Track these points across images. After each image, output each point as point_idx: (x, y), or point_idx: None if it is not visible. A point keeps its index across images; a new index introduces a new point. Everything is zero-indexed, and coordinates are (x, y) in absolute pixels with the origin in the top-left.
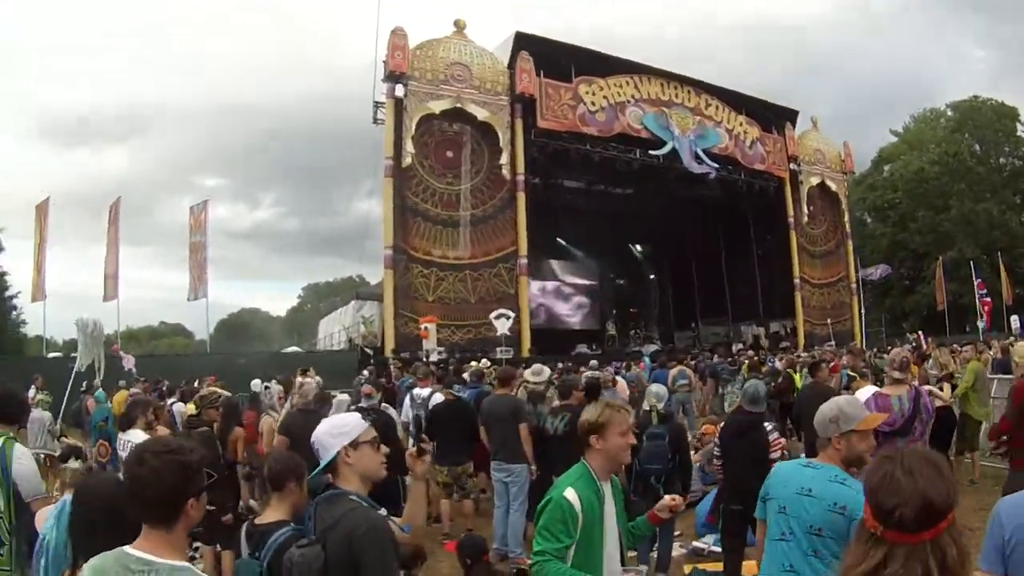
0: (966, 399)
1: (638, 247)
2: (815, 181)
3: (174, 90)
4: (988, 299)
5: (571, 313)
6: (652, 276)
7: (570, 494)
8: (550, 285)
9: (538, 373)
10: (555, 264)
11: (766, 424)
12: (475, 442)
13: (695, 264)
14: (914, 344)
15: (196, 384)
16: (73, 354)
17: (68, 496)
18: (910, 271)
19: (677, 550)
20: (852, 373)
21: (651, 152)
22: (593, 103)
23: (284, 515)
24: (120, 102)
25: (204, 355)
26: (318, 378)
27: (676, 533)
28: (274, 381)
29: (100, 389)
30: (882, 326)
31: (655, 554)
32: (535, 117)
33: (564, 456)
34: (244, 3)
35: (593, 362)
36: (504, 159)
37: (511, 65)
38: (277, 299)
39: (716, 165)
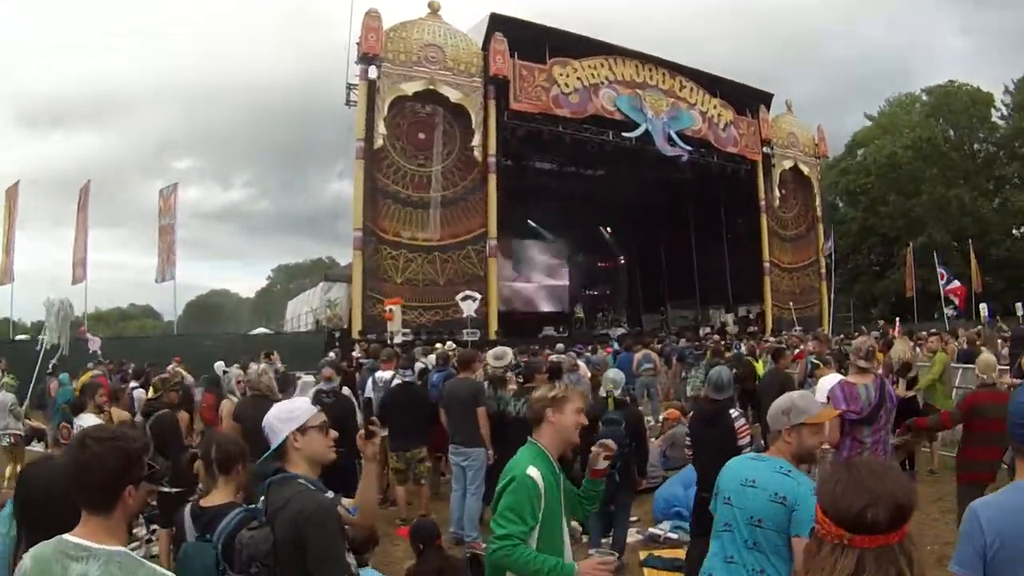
0: (932, 390)
1: (608, 229)
2: (788, 165)
3: (146, 72)
4: (955, 286)
5: (539, 295)
6: (621, 259)
7: (533, 472)
8: (519, 267)
9: (500, 356)
10: (525, 246)
11: (732, 411)
12: (431, 426)
13: (664, 247)
14: (882, 332)
15: (148, 368)
16: (40, 336)
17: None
18: (880, 256)
19: (633, 536)
20: (816, 360)
21: (624, 134)
22: (567, 85)
23: (231, 497)
24: (92, 84)
25: (170, 337)
26: (278, 364)
27: (633, 519)
28: (235, 366)
29: (65, 372)
30: (851, 311)
31: (609, 540)
32: (508, 99)
33: (525, 440)
34: None
35: (559, 345)
36: (476, 141)
37: (485, 47)
38: (247, 280)
39: (689, 148)
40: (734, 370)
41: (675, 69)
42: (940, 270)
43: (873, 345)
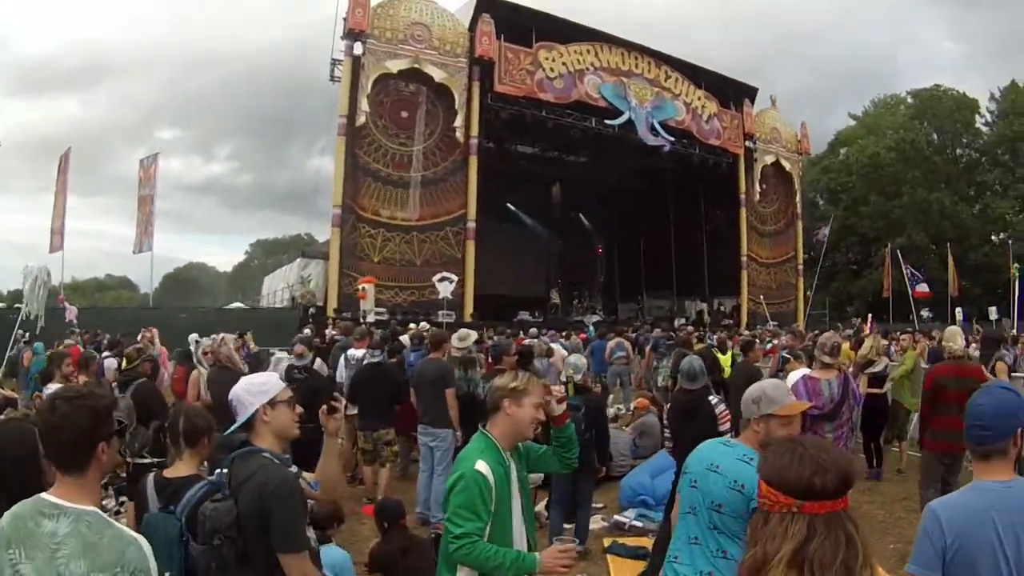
0: (900, 387)
1: (587, 216)
2: (769, 160)
3: (132, 40)
4: (923, 289)
5: (516, 279)
6: (599, 246)
7: (482, 467)
8: (496, 250)
9: (463, 338)
10: (503, 229)
11: (711, 398)
12: (401, 406)
13: (643, 236)
14: (855, 330)
15: (140, 337)
16: (17, 305)
17: None
18: (858, 255)
19: (599, 523)
20: (788, 355)
21: (607, 121)
22: (552, 69)
23: (195, 469)
24: (76, 50)
25: (146, 309)
26: (251, 345)
27: (599, 506)
28: (207, 339)
29: (39, 342)
30: (826, 309)
31: (571, 526)
32: (492, 81)
33: None
34: None
35: (533, 329)
36: (459, 122)
37: (472, 27)
38: (225, 254)
39: (671, 138)
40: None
41: (661, 59)
42: (907, 269)
43: (838, 341)
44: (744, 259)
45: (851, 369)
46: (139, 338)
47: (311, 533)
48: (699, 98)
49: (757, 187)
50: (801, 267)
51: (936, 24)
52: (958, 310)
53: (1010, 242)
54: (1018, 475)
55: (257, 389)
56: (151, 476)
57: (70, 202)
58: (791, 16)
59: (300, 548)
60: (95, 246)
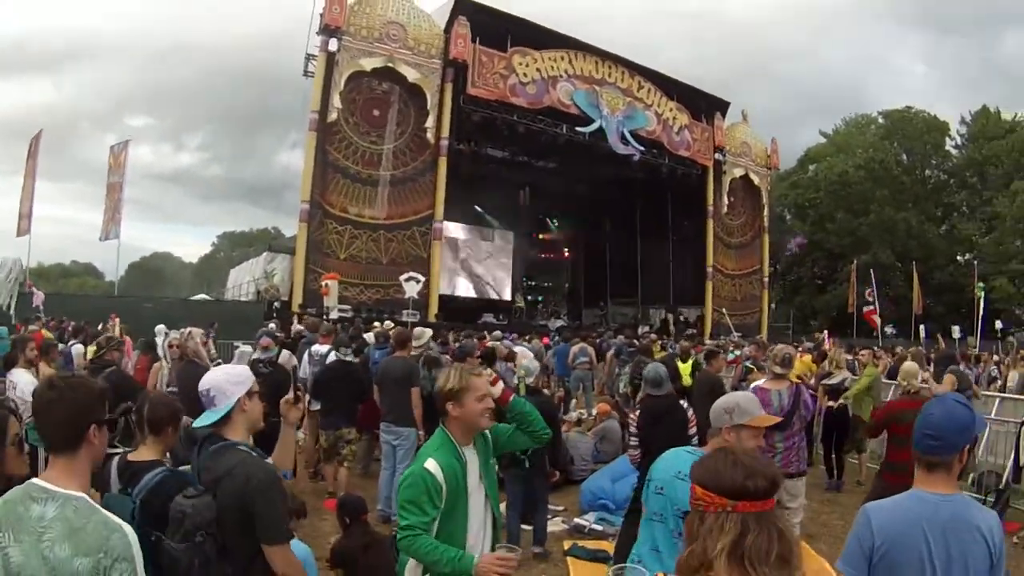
0: (859, 402)
1: (555, 222)
2: (738, 173)
3: (107, 26)
4: (871, 309)
5: (481, 282)
6: (566, 252)
7: (431, 465)
8: (462, 252)
9: (418, 337)
10: (470, 231)
11: (683, 403)
12: (363, 405)
13: (610, 244)
14: (815, 344)
15: (100, 327)
16: None
17: None
18: (823, 271)
19: (559, 525)
20: (751, 365)
21: (578, 129)
22: (525, 75)
23: (158, 455)
24: (50, 34)
25: (112, 297)
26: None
27: (560, 508)
28: (175, 332)
29: (3, 326)
30: (790, 322)
31: (529, 528)
32: (466, 83)
33: None
34: None
35: (496, 332)
36: (430, 122)
37: (447, 29)
38: (191, 245)
39: (641, 148)
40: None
41: (634, 69)
42: (871, 291)
43: (791, 353)
44: (710, 270)
45: (812, 381)
46: (107, 325)
47: None
48: (671, 109)
49: (725, 199)
50: (766, 280)
51: (910, 48)
52: (921, 327)
53: (975, 263)
54: (962, 490)
55: (237, 379)
56: (116, 459)
57: (38, 186)
58: (765, 35)
59: (285, 539)
60: (61, 232)
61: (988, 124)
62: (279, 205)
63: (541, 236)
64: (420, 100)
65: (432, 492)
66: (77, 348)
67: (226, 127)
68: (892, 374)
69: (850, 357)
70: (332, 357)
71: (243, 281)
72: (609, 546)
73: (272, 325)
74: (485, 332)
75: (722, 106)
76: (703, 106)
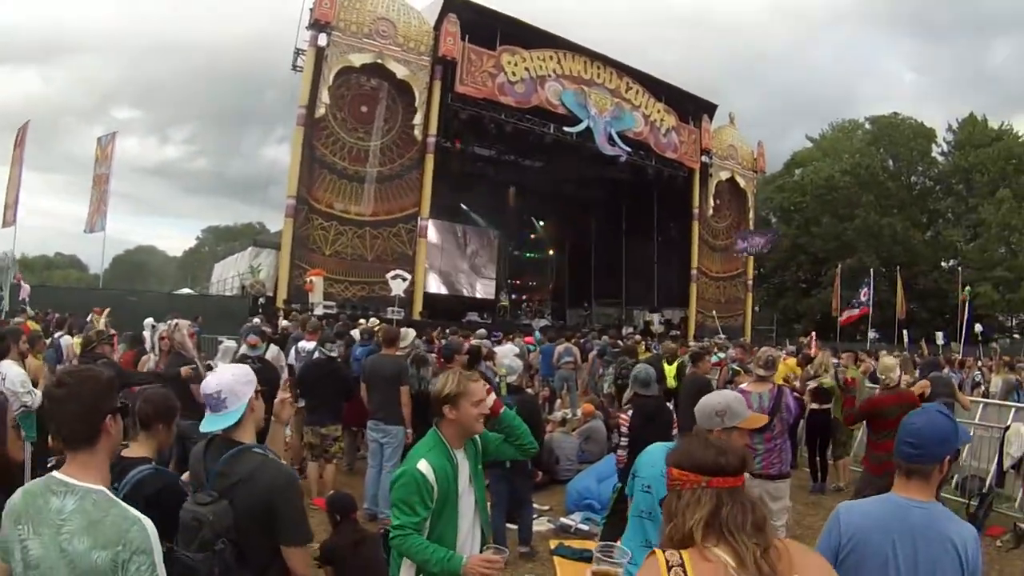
0: (839, 405)
1: (541, 221)
2: (725, 176)
3: (96, 16)
4: (854, 313)
5: (466, 280)
6: (551, 252)
7: (423, 466)
8: (448, 250)
9: (404, 337)
10: (455, 229)
11: (668, 405)
12: (348, 402)
13: (595, 244)
14: (798, 347)
15: (89, 319)
16: None
17: None
18: (808, 275)
19: (545, 525)
20: (737, 368)
21: (565, 128)
22: (514, 74)
23: (148, 452)
24: (39, 23)
25: (97, 290)
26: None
27: (545, 508)
28: (162, 324)
29: None
30: (774, 325)
31: (515, 527)
32: (454, 81)
33: None
34: None
35: (480, 331)
36: (418, 120)
37: (437, 26)
38: (176, 238)
39: (628, 149)
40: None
41: (623, 70)
42: (863, 292)
43: (774, 356)
44: (694, 272)
45: (797, 384)
46: (89, 319)
47: None
48: (658, 111)
49: (711, 202)
50: (750, 283)
51: (897, 54)
52: (905, 332)
53: (960, 269)
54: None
55: (246, 379)
56: None
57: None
58: (753, 38)
59: (306, 541)
60: (43, 223)
61: (974, 132)
62: (264, 200)
63: (526, 235)
64: (408, 97)
65: (424, 493)
66: (66, 340)
67: (212, 121)
68: (875, 378)
69: (836, 361)
70: (318, 354)
71: (227, 276)
72: (595, 545)
73: (256, 320)
74: (469, 333)
75: (709, 109)
76: (690, 108)
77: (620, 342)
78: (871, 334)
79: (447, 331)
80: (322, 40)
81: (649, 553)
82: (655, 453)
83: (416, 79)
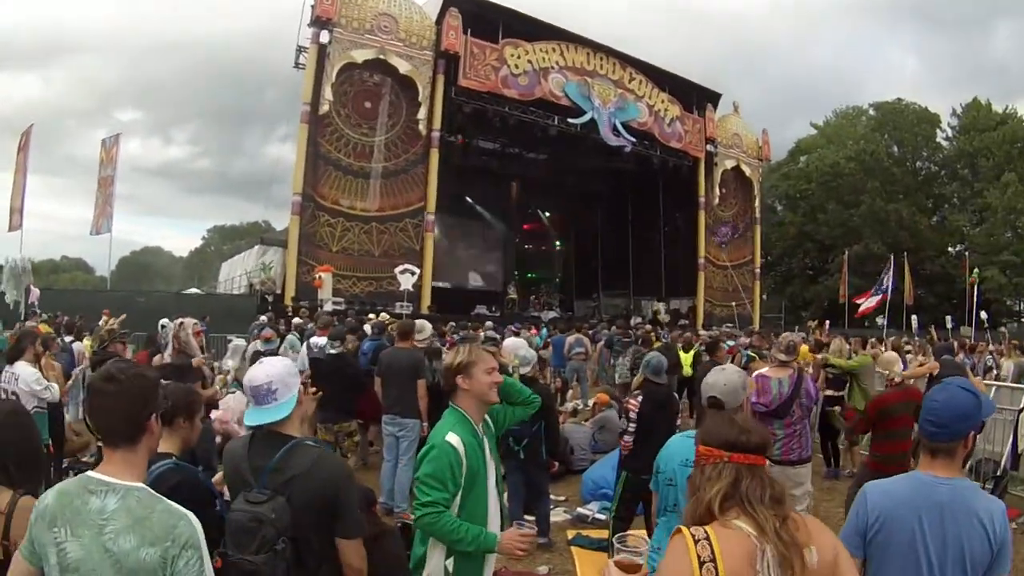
0: (851, 391)
1: (547, 213)
2: (730, 164)
3: (96, 17)
4: (872, 302)
5: (474, 274)
6: (558, 244)
7: (453, 439)
8: (455, 244)
9: (420, 330)
10: (462, 223)
11: (675, 395)
12: (360, 397)
13: (602, 235)
14: (806, 332)
15: (102, 322)
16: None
17: None
18: (815, 261)
19: (561, 515)
20: (752, 354)
21: (570, 120)
22: (517, 66)
23: (172, 449)
24: (40, 27)
25: (105, 292)
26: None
27: (561, 498)
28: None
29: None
30: (781, 312)
31: (532, 518)
32: (457, 75)
33: None
34: None
35: (488, 323)
36: (422, 114)
37: (439, 21)
38: (181, 239)
39: (633, 139)
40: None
41: (626, 60)
42: (889, 278)
43: (795, 341)
44: (702, 261)
45: (810, 370)
46: (101, 322)
47: None
48: (662, 101)
49: (717, 191)
50: (758, 271)
51: (901, 40)
52: (913, 317)
53: (967, 254)
54: (965, 475)
55: (294, 370)
56: None
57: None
58: (757, 27)
59: (363, 533)
60: (48, 227)
61: (979, 116)
62: (269, 198)
63: (532, 228)
64: (411, 92)
65: (455, 467)
66: (77, 345)
67: (215, 121)
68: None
69: (849, 346)
70: (329, 349)
71: (235, 275)
72: (613, 536)
73: (264, 318)
74: (478, 326)
75: (713, 98)
76: (694, 98)
77: (631, 332)
78: (880, 320)
79: (457, 325)
80: (324, 37)
81: (675, 531)
82: (675, 445)
83: (419, 74)
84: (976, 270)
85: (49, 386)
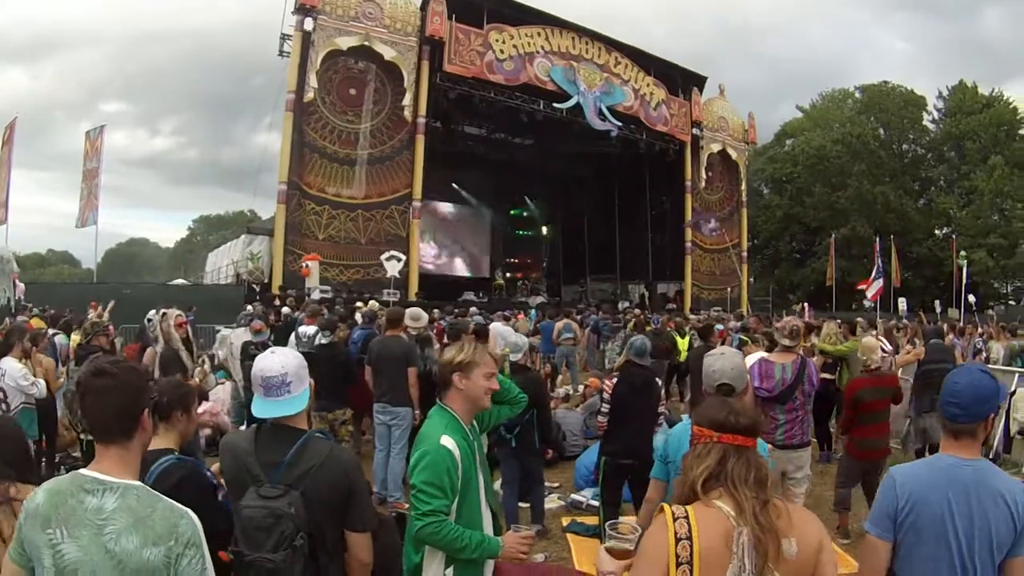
0: (841, 376)
1: (533, 199)
2: (716, 148)
3: (79, 11)
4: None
5: (460, 260)
6: (544, 229)
7: (448, 442)
8: (441, 230)
9: (417, 317)
10: (449, 209)
11: (657, 380)
12: (352, 386)
13: (588, 220)
14: (798, 314)
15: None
16: None
17: None
18: (802, 245)
19: (555, 502)
20: (745, 337)
21: (555, 105)
22: (502, 51)
23: (171, 443)
24: (25, 21)
25: (91, 284)
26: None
27: (555, 485)
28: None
29: None
30: (769, 296)
31: (526, 506)
32: (442, 61)
33: None
34: None
35: (472, 309)
36: (407, 100)
37: (423, 6)
38: (167, 230)
39: (619, 123)
40: (654, 344)
41: (611, 44)
42: (879, 262)
43: (798, 325)
44: (688, 245)
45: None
46: (90, 314)
47: None
48: (648, 85)
49: (703, 174)
50: (745, 254)
51: (887, 23)
52: (901, 300)
53: (954, 236)
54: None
55: (305, 363)
56: None
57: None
58: (743, 9)
59: (373, 526)
60: (32, 220)
61: (965, 99)
62: (256, 188)
63: (519, 213)
64: (397, 78)
65: (452, 472)
66: (60, 339)
67: (201, 111)
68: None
69: (840, 330)
70: (320, 339)
71: (221, 265)
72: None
73: (250, 308)
74: (465, 312)
75: (699, 81)
76: (680, 81)
77: (618, 317)
78: (866, 303)
79: (444, 310)
80: (308, 24)
81: (658, 510)
82: (678, 433)
83: (404, 60)
84: (963, 253)
85: (36, 382)
